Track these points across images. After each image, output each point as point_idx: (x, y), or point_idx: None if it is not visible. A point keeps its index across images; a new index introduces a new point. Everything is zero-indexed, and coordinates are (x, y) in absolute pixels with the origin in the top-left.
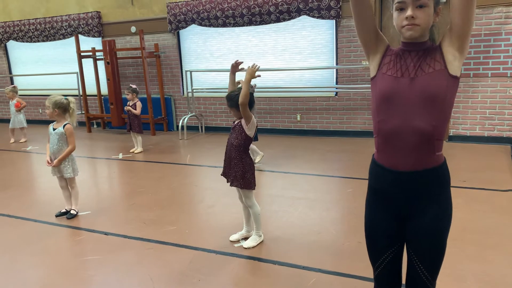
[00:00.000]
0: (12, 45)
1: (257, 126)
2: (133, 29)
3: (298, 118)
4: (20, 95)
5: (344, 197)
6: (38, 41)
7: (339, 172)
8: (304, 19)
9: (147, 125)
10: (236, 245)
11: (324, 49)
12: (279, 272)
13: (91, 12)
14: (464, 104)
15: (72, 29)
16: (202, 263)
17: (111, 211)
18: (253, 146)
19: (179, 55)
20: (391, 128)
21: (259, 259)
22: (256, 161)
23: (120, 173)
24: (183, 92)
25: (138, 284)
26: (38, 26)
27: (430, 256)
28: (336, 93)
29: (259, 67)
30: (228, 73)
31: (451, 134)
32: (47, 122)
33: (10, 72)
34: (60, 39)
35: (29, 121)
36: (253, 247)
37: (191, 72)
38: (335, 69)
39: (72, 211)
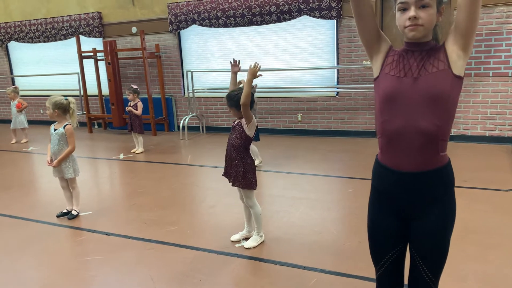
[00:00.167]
0: (13, 45)
1: (257, 126)
2: (134, 29)
3: (299, 118)
4: (21, 96)
5: (345, 197)
6: (39, 41)
7: (340, 172)
8: (305, 19)
9: (148, 125)
10: (237, 245)
11: (325, 49)
12: (280, 272)
13: (92, 12)
14: (465, 103)
15: (73, 29)
16: (203, 263)
17: (112, 212)
18: (255, 148)
19: (180, 56)
20: (395, 129)
21: (260, 259)
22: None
23: (121, 173)
24: (184, 92)
25: (139, 284)
26: (39, 26)
27: (433, 256)
28: (337, 93)
29: (260, 66)
30: (229, 73)
31: (452, 134)
32: (49, 123)
33: (12, 73)
34: (61, 39)
35: (30, 122)
36: (254, 247)
37: (192, 72)
38: (336, 69)
39: (73, 212)
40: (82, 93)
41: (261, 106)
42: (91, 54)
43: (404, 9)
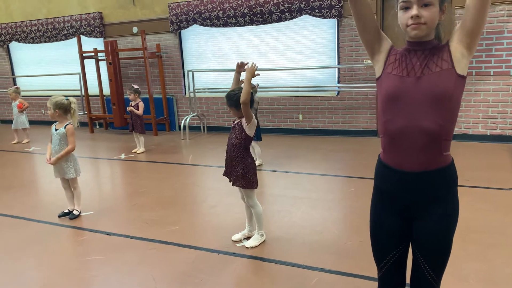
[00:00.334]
0: (14, 46)
1: (259, 125)
2: (135, 29)
3: (300, 118)
4: (22, 96)
5: (347, 196)
6: (40, 42)
7: (341, 172)
8: (306, 19)
9: (149, 125)
10: (238, 244)
11: (326, 48)
12: (281, 272)
13: (92, 12)
14: (466, 102)
15: (74, 30)
16: (205, 263)
17: (114, 211)
18: (258, 149)
19: (181, 55)
20: (397, 128)
21: (261, 259)
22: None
23: (122, 173)
24: (185, 92)
25: (140, 284)
26: (40, 27)
27: (436, 256)
28: (338, 92)
29: (257, 66)
30: (230, 73)
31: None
32: (50, 123)
33: (13, 73)
34: (62, 40)
35: (31, 122)
36: (255, 246)
37: (193, 72)
38: (337, 68)
39: (74, 212)
40: (83, 93)
41: (262, 106)
42: (92, 54)
43: (406, 8)
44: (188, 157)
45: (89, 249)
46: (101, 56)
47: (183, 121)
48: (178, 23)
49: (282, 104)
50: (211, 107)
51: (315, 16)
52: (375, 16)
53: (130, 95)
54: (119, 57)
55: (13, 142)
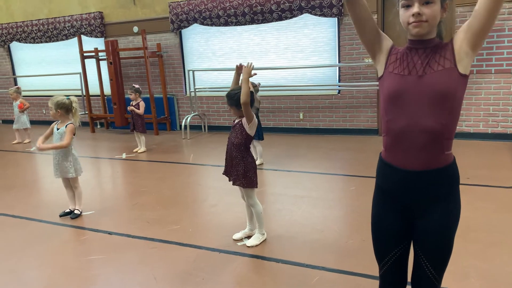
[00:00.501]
0: (15, 46)
1: (261, 125)
2: (135, 29)
3: (301, 117)
4: (23, 96)
5: (347, 195)
6: (41, 42)
7: (342, 170)
8: (306, 17)
9: (150, 124)
10: (239, 243)
11: (327, 47)
12: (282, 271)
13: (93, 12)
14: (467, 101)
15: (74, 29)
16: (206, 262)
17: (115, 211)
18: (260, 148)
19: (181, 55)
20: (399, 127)
21: (262, 258)
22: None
23: (123, 172)
24: (186, 91)
25: (141, 283)
26: (41, 27)
27: (437, 254)
28: (339, 91)
29: (253, 65)
30: (231, 72)
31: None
32: (51, 123)
33: (14, 73)
34: (63, 39)
35: (32, 122)
36: (256, 245)
37: (193, 71)
38: (337, 67)
39: (76, 211)
40: (84, 93)
41: (262, 105)
42: (93, 54)
43: (407, 6)
44: (189, 156)
45: (91, 249)
46: (101, 56)
47: (184, 120)
48: (179, 23)
49: (282, 103)
50: (211, 106)
51: (315, 14)
52: (376, 16)
53: (131, 94)
54: (120, 56)
55: (14, 142)
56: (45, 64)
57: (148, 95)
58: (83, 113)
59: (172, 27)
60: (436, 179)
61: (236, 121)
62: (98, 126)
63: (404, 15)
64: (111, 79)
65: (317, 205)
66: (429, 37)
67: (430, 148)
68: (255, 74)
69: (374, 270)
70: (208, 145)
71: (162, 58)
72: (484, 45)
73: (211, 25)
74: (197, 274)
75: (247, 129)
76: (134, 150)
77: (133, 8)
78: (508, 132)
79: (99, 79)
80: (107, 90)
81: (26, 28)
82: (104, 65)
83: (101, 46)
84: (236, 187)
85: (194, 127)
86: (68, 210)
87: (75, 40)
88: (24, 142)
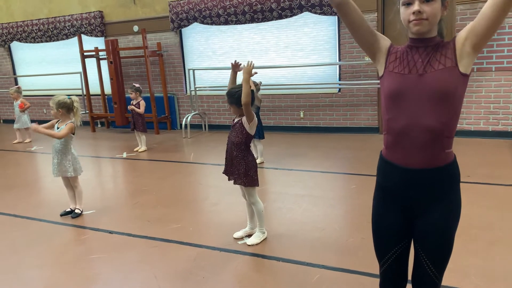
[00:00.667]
0: (15, 46)
1: (262, 124)
2: (135, 28)
3: (301, 115)
4: (24, 96)
5: (348, 193)
6: (41, 41)
7: (343, 169)
8: (306, 16)
9: (151, 124)
10: (240, 242)
11: (327, 45)
12: (283, 269)
13: (93, 12)
14: (468, 98)
15: (75, 29)
16: (206, 261)
17: (116, 210)
18: (261, 147)
19: (181, 54)
20: (400, 126)
21: (263, 256)
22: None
23: (124, 172)
24: (186, 90)
25: (142, 282)
26: (41, 26)
27: (438, 253)
28: (339, 89)
29: (253, 64)
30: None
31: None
32: None
33: (14, 73)
34: (63, 39)
35: (33, 121)
36: (257, 244)
37: (193, 70)
38: (338, 65)
39: (76, 210)
40: (84, 93)
41: (263, 103)
42: (93, 53)
43: (408, 4)
44: (189, 155)
45: (91, 248)
46: (102, 55)
47: (184, 119)
48: (179, 22)
49: (283, 102)
50: (212, 105)
51: (315, 13)
52: (377, 14)
53: (131, 93)
54: (120, 56)
55: (15, 142)
56: (46, 63)
57: (149, 94)
58: (84, 112)
59: (172, 26)
60: (437, 177)
61: (236, 120)
62: (99, 126)
63: (405, 13)
64: (111, 79)
65: (318, 204)
66: (430, 36)
67: (431, 146)
68: (256, 73)
69: (375, 268)
70: (208, 144)
71: (162, 57)
72: None
73: (211, 24)
74: (197, 273)
75: (247, 128)
76: (135, 149)
77: (133, 7)
78: (509, 130)
79: (99, 79)
80: (108, 89)
81: (26, 27)
82: (104, 64)
83: (101, 46)
84: (237, 186)
85: (195, 126)
86: (69, 209)
87: (75, 39)
88: (25, 141)
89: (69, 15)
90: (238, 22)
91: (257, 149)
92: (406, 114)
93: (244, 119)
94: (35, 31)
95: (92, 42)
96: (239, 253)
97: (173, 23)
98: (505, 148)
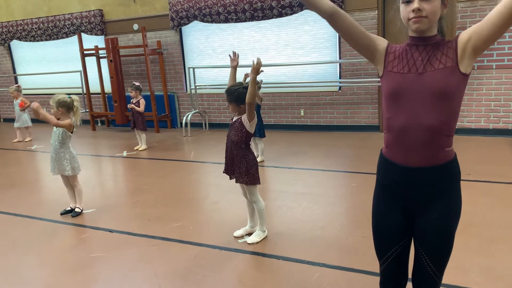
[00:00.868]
0: (15, 44)
1: (263, 122)
2: (135, 26)
3: (302, 113)
4: (24, 94)
5: (349, 191)
6: (41, 40)
7: (343, 167)
8: (307, 13)
9: (151, 122)
10: (240, 240)
11: (327, 43)
12: (283, 267)
13: (93, 10)
14: (468, 96)
15: (74, 27)
16: (207, 259)
17: (116, 209)
18: (262, 146)
19: (181, 52)
20: (399, 125)
21: (263, 255)
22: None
23: (124, 170)
24: (186, 89)
25: (142, 280)
26: (41, 25)
27: (438, 251)
28: (340, 87)
29: (261, 62)
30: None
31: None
32: None
33: (14, 72)
34: (63, 37)
35: (33, 120)
36: (257, 242)
37: (194, 68)
38: (338, 64)
39: (76, 209)
40: (84, 91)
41: (263, 102)
42: (93, 52)
43: (408, 2)
44: (189, 154)
45: (91, 247)
46: (102, 54)
47: (184, 118)
48: (179, 20)
49: (283, 100)
50: (212, 103)
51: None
52: (377, 12)
53: (131, 92)
54: (120, 54)
55: (15, 141)
56: (46, 62)
57: (149, 93)
58: (84, 111)
59: (172, 25)
60: (437, 175)
61: (235, 118)
62: (99, 124)
63: (405, 11)
64: (111, 77)
65: (318, 202)
66: (430, 34)
67: (430, 145)
68: (262, 71)
69: (375, 266)
70: (209, 143)
71: (162, 55)
72: None
73: (211, 22)
74: (197, 272)
75: (247, 127)
76: (135, 148)
77: (133, 6)
78: (510, 128)
79: (99, 77)
80: (108, 88)
81: (26, 26)
82: (104, 63)
83: (101, 44)
84: (237, 184)
85: (195, 125)
86: (69, 208)
87: (75, 38)
88: (25, 140)
89: (69, 13)
90: (238, 20)
91: (258, 147)
92: (405, 112)
93: (243, 117)
94: (35, 29)
95: (92, 41)
96: (239, 252)
97: (173, 21)
98: (505, 146)
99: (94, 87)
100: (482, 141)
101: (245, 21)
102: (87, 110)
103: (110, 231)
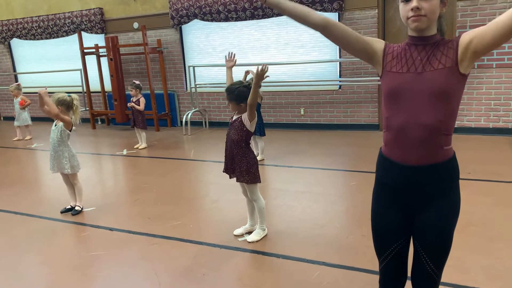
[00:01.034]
0: (15, 43)
1: (263, 121)
2: (135, 25)
3: (302, 112)
4: (24, 93)
5: (348, 190)
6: (41, 38)
7: (343, 166)
8: None
9: (151, 121)
10: (240, 239)
11: (327, 42)
12: (283, 266)
13: (93, 8)
14: (468, 95)
15: (75, 26)
16: (207, 258)
17: (116, 207)
18: (262, 145)
19: (181, 51)
20: (398, 124)
21: (263, 253)
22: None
23: (124, 169)
24: (186, 87)
25: (143, 279)
26: (41, 23)
27: (437, 249)
28: (340, 86)
29: (267, 69)
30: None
31: (455, 126)
32: (52, 120)
33: (14, 70)
34: (63, 36)
35: (33, 119)
36: (257, 241)
37: (194, 67)
38: (338, 62)
39: (76, 207)
40: (84, 90)
41: (263, 101)
42: (93, 50)
43: (407, 0)
44: (190, 152)
45: (92, 245)
46: (102, 52)
47: (184, 116)
48: (179, 18)
49: (283, 99)
50: (212, 102)
51: (316, 9)
52: (377, 10)
53: (131, 90)
54: (120, 53)
55: (15, 139)
56: (46, 60)
57: (149, 91)
58: (84, 109)
59: (172, 23)
60: (435, 174)
61: (235, 117)
62: (99, 123)
63: (404, 10)
64: (111, 76)
65: (318, 201)
66: (430, 34)
67: (429, 143)
68: (268, 76)
69: (375, 265)
70: (209, 141)
71: (162, 54)
72: None
73: (212, 20)
74: (198, 270)
75: (247, 126)
76: (135, 146)
77: (133, 4)
78: (510, 127)
79: (99, 76)
80: (108, 86)
81: (26, 24)
82: (104, 61)
83: (102, 43)
84: (237, 183)
85: (195, 123)
86: (69, 207)
87: (75, 36)
88: (25, 139)
89: (69, 12)
90: (238, 18)
91: (258, 146)
92: (404, 111)
93: (244, 116)
94: (35, 28)
95: (92, 39)
96: (239, 250)
97: (173, 20)
98: (505, 145)
99: (94, 85)
100: (481, 140)
101: (245, 19)
102: (87, 109)
103: (110, 229)
